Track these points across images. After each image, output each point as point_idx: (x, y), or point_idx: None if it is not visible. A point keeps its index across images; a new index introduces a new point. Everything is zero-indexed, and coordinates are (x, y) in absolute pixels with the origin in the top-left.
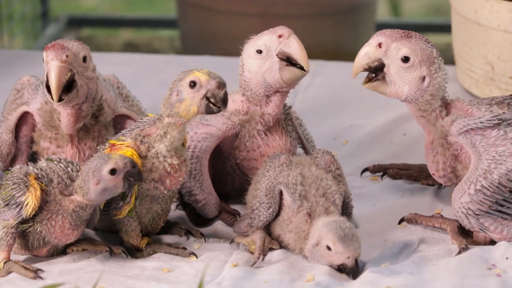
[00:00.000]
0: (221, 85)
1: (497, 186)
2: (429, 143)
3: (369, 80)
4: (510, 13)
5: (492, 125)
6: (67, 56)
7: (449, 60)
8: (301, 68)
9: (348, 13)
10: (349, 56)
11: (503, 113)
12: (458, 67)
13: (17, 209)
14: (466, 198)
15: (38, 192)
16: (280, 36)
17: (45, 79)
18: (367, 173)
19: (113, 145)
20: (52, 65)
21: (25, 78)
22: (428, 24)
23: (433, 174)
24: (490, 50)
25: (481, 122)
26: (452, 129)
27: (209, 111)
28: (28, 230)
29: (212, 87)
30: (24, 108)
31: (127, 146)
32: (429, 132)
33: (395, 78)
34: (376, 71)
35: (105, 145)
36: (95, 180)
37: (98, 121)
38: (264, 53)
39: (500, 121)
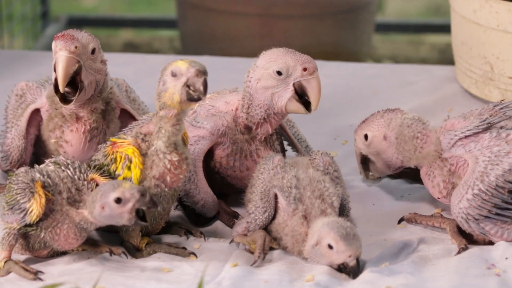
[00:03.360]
0: (200, 73)
1: (494, 189)
2: (424, 173)
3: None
4: (509, 13)
5: (481, 130)
6: (75, 47)
7: (449, 60)
8: (307, 107)
9: (348, 13)
10: (349, 56)
11: (490, 116)
12: (458, 67)
13: (21, 215)
14: (464, 203)
15: (43, 200)
16: (305, 70)
17: (53, 75)
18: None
19: (114, 143)
20: (60, 55)
21: (22, 83)
22: (428, 24)
23: (438, 198)
24: (490, 50)
25: (469, 130)
26: (443, 146)
27: (190, 98)
28: (30, 233)
29: (191, 75)
30: (32, 107)
31: (128, 144)
32: (421, 166)
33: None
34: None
35: (106, 144)
36: (101, 203)
37: (108, 108)
38: (283, 77)
39: (489, 125)
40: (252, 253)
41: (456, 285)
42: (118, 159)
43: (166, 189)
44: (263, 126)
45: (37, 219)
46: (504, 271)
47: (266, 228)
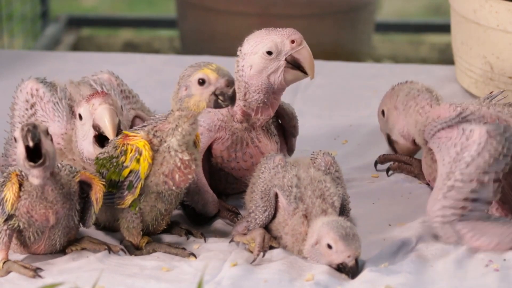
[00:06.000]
0: (230, 83)
1: (461, 181)
2: (425, 152)
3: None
4: (509, 13)
5: (454, 124)
6: (112, 101)
7: (449, 60)
8: (304, 72)
9: (348, 13)
10: (349, 56)
11: (463, 110)
12: (458, 67)
13: (1, 207)
14: (438, 205)
15: (16, 187)
16: (293, 42)
17: (91, 131)
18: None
19: (126, 135)
20: (103, 108)
21: (33, 84)
22: (428, 24)
23: (429, 181)
24: (489, 50)
25: (445, 122)
26: (425, 135)
27: (217, 106)
28: (21, 228)
29: (221, 85)
30: None
31: (140, 137)
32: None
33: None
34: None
35: (118, 136)
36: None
37: None
38: (273, 55)
39: (461, 120)
40: (252, 252)
41: (456, 284)
42: (129, 151)
43: (174, 188)
44: (264, 110)
45: (13, 207)
46: (503, 266)
47: (267, 227)
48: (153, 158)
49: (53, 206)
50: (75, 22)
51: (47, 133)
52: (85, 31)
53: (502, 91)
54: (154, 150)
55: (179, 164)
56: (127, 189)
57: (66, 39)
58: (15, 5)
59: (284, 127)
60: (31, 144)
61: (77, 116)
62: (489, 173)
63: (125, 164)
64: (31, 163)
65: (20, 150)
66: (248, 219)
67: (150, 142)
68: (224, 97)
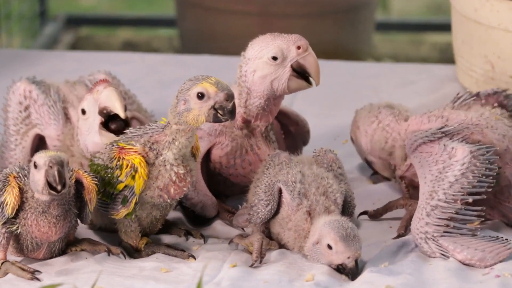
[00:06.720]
0: (229, 97)
1: (445, 202)
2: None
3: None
4: (510, 12)
5: (436, 139)
6: (115, 85)
7: (449, 59)
8: (307, 81)
9: (348, 12)
10: (349, 55)
11: (445, 125)
12: (458, 67)
13: (1, 210)
14: (422, 223)
15: (16, 190)
16: (298, 48)
17: (97, 119)
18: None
19: (122, 148)
20: (109, 90)
21: (25, 86)
22: (428, 23)
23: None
24: (491, 49)
25: (426, 136)
26: (406, 150)
27: (217, 120)
28: (19, 232)
29: (220, 99)
30: (36, 131)
31: (136, 151)
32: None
33: None
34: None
35: (113, 145)
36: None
37: None
38: (279, 61)
39: (443, 135)
40: (251, 254)
41: (456, 284)
42: (124, 166)
43: (169, 200)
44: (263, 116)
45: (13, 211)
46: (504, 267)
47: (269, 223)
48: (148, 173)
49: (57, 223)
50: (74, 21)
51: (68, 163)
52: (84, 30)
53: (468, 91)
54: (150, 163)
55: (174, 178)
56: (121, 203)
57: (65, 38)
58: (14, 3)
59: (294, 135)
60: (59, 188)
61: (79, 112)
62: (472, 193)
63: (120, 179)
64: (52, 192)
65: (39, 178)
66: (251, 212)
67: (146, 155)
68: (224, 111)
